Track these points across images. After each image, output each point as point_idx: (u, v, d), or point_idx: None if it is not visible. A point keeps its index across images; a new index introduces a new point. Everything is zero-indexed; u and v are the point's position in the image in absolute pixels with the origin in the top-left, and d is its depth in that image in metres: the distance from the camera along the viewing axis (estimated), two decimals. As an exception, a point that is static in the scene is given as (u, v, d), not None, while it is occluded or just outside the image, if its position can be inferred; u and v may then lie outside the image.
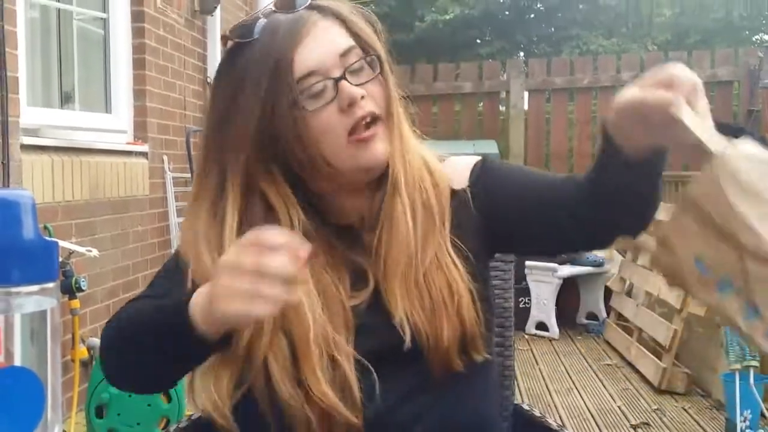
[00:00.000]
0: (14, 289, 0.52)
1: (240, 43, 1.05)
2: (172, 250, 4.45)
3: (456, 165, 1.17)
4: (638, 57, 6.83)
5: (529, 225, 1.09)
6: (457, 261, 1.05)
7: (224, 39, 1.07)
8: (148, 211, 4.18)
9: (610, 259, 5.41)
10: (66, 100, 3.79)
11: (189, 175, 4.54)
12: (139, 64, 4.17)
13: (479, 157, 1.17)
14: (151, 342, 0.98)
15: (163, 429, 2.90)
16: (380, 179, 1.08)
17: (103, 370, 1.06)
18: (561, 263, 5.29)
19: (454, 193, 1.11)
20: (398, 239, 1.05)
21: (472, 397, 1.07)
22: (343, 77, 1.02)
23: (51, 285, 0.54)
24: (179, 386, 2.89)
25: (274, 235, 0.86)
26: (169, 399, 2.91)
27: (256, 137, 1.03)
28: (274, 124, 1.02)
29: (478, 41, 14.20)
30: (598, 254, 5.41)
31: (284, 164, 1.05)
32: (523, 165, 1.11)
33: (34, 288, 0.53)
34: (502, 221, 1.09)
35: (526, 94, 6.46)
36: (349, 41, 1.05)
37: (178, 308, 0.93)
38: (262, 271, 0.84)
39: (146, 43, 4.17)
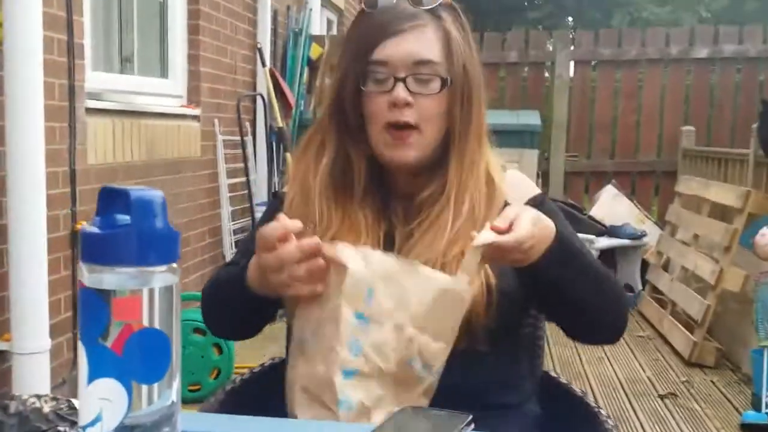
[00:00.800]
0: (151, 269, 0.66)
1: (363, 12, 1.24)
2: (222, 210, 4.61)
3: (518, 182, 1.30)
4: (687, 30, 6.78)
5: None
6: (490, 275, 1.15)
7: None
8: (200, 173, 4.35)
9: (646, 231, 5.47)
10: (125, 64, 3.94)
11: (238, 138, 4.70)
12: (193, 29, 4.31)
13: (539, 191, 1.30)
14: (231, 304, 1.22)
15: (214, 379, 3.09)
16: (430, 169, 1.22)
17: (205, 324, 1.32)
18: (599, 235, 5.36)
19: (506, 205, 1.20)
20: (435, 233, 1.17)
21: (481, 371, 1.17)
22: (402, 80, 1.18)
23: (175, 265, 0.68)
24: (230, 341, 3.07)
25: (272, 231, 1.05)
26: (221, 351, 3.10)
27: (341, 101, 1.22)
28: (346, 92, 1.21)
29: (526, 4, 14.04)
30: (637, 227, 5.47)
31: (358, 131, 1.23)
32: (568, 228, 1.23)
33: (164, 268, 0.67)
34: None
35: (572, 65, 6.47)
36: (435, 55, 1.19)
37: (241, 280, 1.15)
38: (282, 260, 1.04)
39: (201, 9, 4.31)
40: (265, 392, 1.30)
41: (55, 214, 3.00)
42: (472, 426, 0.87)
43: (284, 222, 1.06)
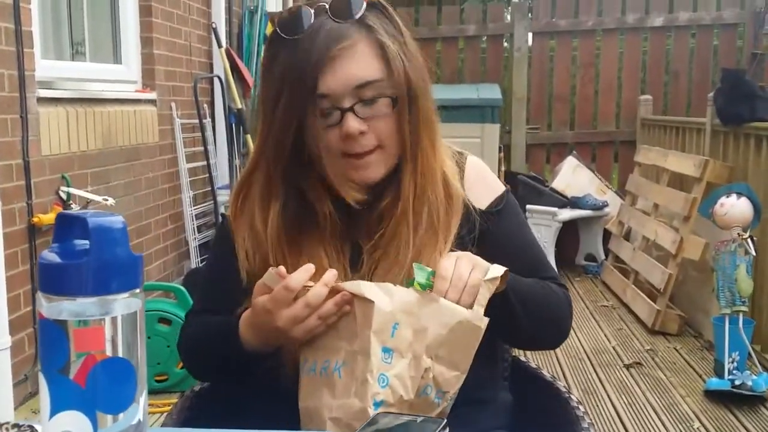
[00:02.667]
0: (112, 297, 0.64)
1: (281, 38, 1.12)
2: (183, 196, 4.54)
3: (479, 177, 1.26)
4: (643, -2, 6.81)
5: None
6: None
7: (272, 22, 1.16)
8: (159, 158, 4.28)
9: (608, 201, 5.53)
10: (77, 51, 3.84)
11: (196, 121, 4.62)
12: (145, 11, 4.20)
13: (503, 187, 1.27)
14: (223, 362, 1.19)
15: (180, 369, 3.06)
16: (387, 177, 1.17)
17: (188, 371, 1.32)
18: (561, 206, 5.41)
19: (467, 209, 1.21)
20: (394, 253, 1.15)
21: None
22: (350, 109, 1.10)
23: (137, 290, 0.66)
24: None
25: (296, 279, 1.04)
26: (187, 342, 3.07)
27: (291, 146, 1.13)
28: (302, 133, 1.12)
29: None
30: (598, 197, 5.53)
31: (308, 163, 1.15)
32: (528, 230, 1.24)
33: (126, 294, 0.64)
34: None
35: (530, 36, 6.47)
36: (375, 73, 1.11)
37: (230, 338, 1.13)
38: (312, 305, 1.04)
39: (153, -10, 4.21)
40: (230, 399, 1.28)
41: (11, 207, 2.93)
42: (447, 430, 0.88)
43: (299, 273, 1.05)
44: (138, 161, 4.00)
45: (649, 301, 4.13)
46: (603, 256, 5.45)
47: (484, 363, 1.22)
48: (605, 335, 3.98)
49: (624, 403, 3.08)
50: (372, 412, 1.01)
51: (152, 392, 2.92)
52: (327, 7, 1.13)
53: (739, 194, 3.22)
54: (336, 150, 1.13)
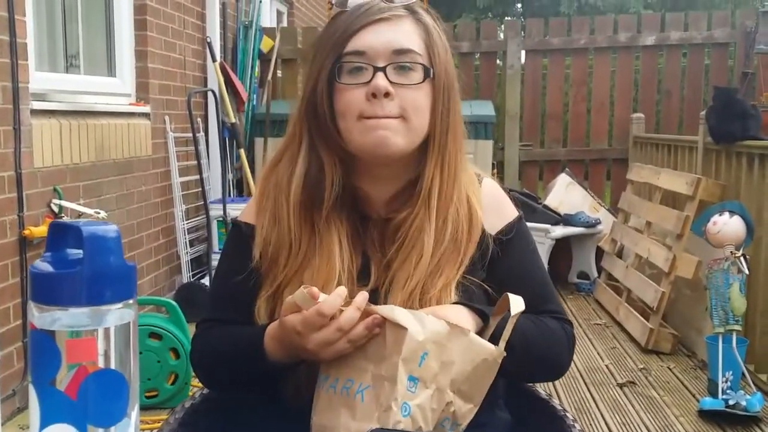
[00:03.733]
0: (105, 307, 0.62)
1: (337, 12, 1.17)
2: (176, 209, 4.53)
3: (492, 196, 1.26)
4: (635, 17, 6.85)
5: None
6: (458, 293, 1.14)
7: (329, 4, 1.21)
8: (151, 171, 4.27)
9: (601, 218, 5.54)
10: (71, 63, 3.83)
11: (190, 134, 4.62)
12: (140, 25, 4.21)
13: (516, 213, 1.27)
14: (246, 376, 1.17)
15: (171, 384, 3.03)
16: (408, 190, 1.18)
17: (201, 383, 1.29)
18: (554, 224, 5.41)
19: (482, 233, 1.20)
20: (416, 259, 1.13)
21: None
22: (383, 69, 1.11)
23: (131, 301, 0.64)
24: (186, 344, 3.02)
25: (330, 305, 1.03)
26: (178, 356, 3.04)
27: (313, 99, 1.15)
28: (318, 89, 1.14)
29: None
30: (591, 215, 5.53)
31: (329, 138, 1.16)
32: (538, 257, 1.29)
33: (120, 305, 0.63)
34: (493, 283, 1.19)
35: (522, 54, 6.50)
36: (414, 44, 1.14)
37: (256, 352, 1.11)
38: (344, 329, 1.02)
39: (147, 4, 4.21)
40: (228, 410, 1.27)
41: (2, 220, 2.91)
42: None
43: (333, 297, 1.03)
44: (131, 174, 3.99)
45: (642, 319, 4.12)
46: (596, 274, 5.44)
47: None
48: (598, 353, 3.97)
49: (617, 422, 3.06)
50: None
51: (142, 408, 2.88)
52: None
53: (732, 212, 3.22)
54: (356, 111, 1.12)
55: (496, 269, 1.20)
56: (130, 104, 4.11)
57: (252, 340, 1.13)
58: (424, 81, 1.14)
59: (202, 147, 4.79)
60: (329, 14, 1.22)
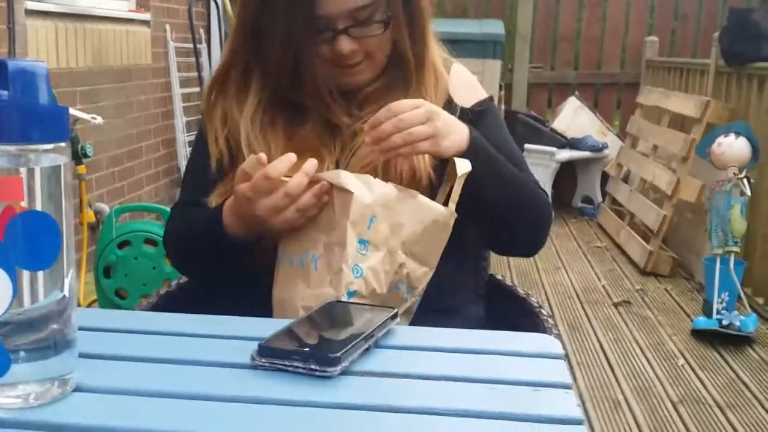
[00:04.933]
0: (33, 147, 0.60)
1: None
2: (176, 121, 4.47)
3: (463, 78, 1.27)
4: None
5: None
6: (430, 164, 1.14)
7: None
8: (151, 81, 4.21)
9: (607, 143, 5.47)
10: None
11: (191, 45, 4.54)
12: (142, -72, 4.09)
13: (487, 94, 1.27)
14: (210, 255, 1.17)
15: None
16: None
17: (176, 268, 1.31)
18: (560, 147, 5.35)
19: (449, 101, 1.21)
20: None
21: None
22: (344, 31, 1.12)
23: (63, 144, 0.62)
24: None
25: (276, 168, 1.02)
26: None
27: (290, 65, 1.14)
28: (287, 47, 1.12)
29: None
30: (598, 139, 5.46)
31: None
32: (509, 135, 1.29)
33: (50, 146, 0.60)
34: None
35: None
36: None
37: (215, 227, 1.11)
38: (291, 194, 1.01)
39: None
40: (202, 298, 1.26)
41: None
42: (397, 320, 0.87)
43: (280, 161, 1.02)
44: (130, 83, 3.94)
45: (642, 242, 4.10)
46: (600, 199, 5.41)
47: (453, 270, 1.19)
48: (596, 274, 3.97)
49: (610, 339, 3.08)
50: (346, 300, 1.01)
51: (137, 312, 2.91)
52: None
53: (738, 134, 3.16)
54: (323, 64, 1.14)
55: None
56: (130, 10, 4.03)
57: (212, 216, 1.13)
58: (385, 30, 1.14)
59: (203, 58, 4.71)
60: None
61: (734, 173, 3.09)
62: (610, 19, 6.25)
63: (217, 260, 1.17)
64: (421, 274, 1.09)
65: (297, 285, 1.05)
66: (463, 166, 1.07)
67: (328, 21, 1.11)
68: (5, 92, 0.59)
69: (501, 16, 6.14)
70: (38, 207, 0.60)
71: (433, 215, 1.07)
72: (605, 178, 5.39)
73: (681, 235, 4.12)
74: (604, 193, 5.34)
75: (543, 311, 1.27)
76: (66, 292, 0.64)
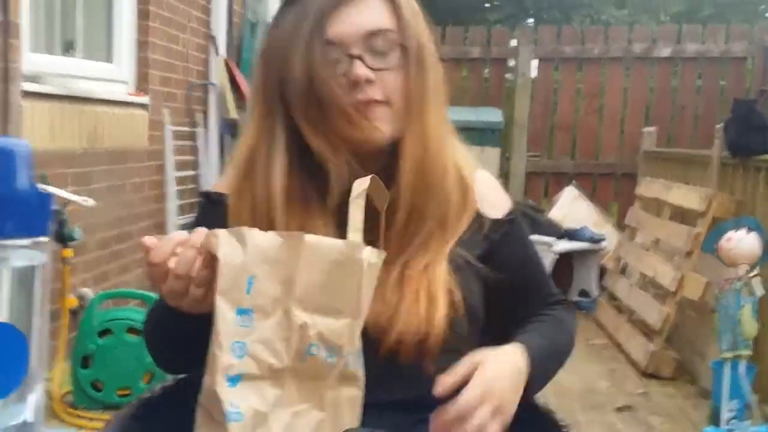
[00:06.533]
0: (4, 242, 0.49)
1: None
2: (168, 204, 4.41)
3: (489, 185, 1.21)
4: (649, 29, 6.74)
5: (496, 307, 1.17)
6: (449, 271, 1.08)
7: None
8: (146, 164, 4.15)
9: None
10: (68, 47, 3.74)
11: (189, 128, 4.51)
12: (143, 14, 4.11)
13: (510, 202, 1.22)
14: (173, 335, 1.06)
15: (147, 383, 2.90)
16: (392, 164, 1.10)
17: (157, 365, 1.19)
18: (558, 237, 5.27)
19: (478, 216, 1.15)
20: (393, 241, 1.06)
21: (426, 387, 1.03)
22: (359, 57, 1.05)
23: (43, 239, 0.51)
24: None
25: (158, 251, 0.92)
26: (159, 355, 2.91)
27: (285, 92, 1.08)
28: (292, 82, 1.07)
29: (487, 5, 14.03)
30: (596, 230, 5.40)
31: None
32: (532, 246, 1.26)
33: (26, 242, 0.50)
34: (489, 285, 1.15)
35: (535, 62, 6.38)
36: (386, 22, 1.08)
37: (168, 308, 0.99)
38: (179, 273, 0.91)
39: (151, -7, 4.11)
40: (182, 408, 1.14)
41: (-18, 203, 2.79)
42: None
43: (163, 244, 0.93)
44: (124, 165, 3.87)
45: (643, 340, 3.97)
46: (597, 292, 5.30)
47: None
48: (596, 375, 3.82)
49: (615, 446, 2.92)
50: (224, 390, 0.85)
51: (113, 407, 2.75)
52: None
53: (749, 228, 3.07)
54: (339, 102, 1.05)
55: (493, 254, 1.15)
56: (129, 94, 4.00)
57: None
58: (402, 59, 1.09)
59: (200, 142, 4.67)
60: None
61: (746, 270, 2.98)
62: (607, 110, 6.29)
63: (184, 344, 1.04)
64: (341, 327, 0.90)
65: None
66: (359, 185, 0.94)
67: (342, 47, 1.06)
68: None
69: (498, 105, 6.18)
70: (3, 317, 0.49)
71: (332, 255, 0.90)
72: (602, 271, 5.30)
73: (684, 335, 3.99)
74: (601, 287, 5.24)
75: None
76: (30, 417, 0.52)
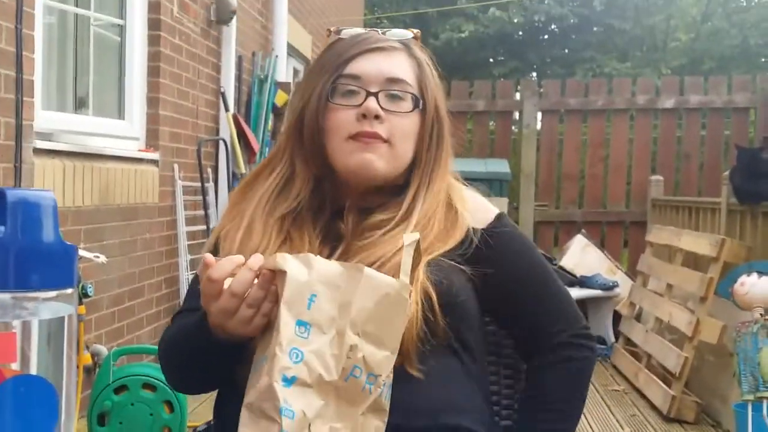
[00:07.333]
0: (32, 294, 0.49)
1: (335, 39, 1.23)
2: (180, 259, 4.39)
3: (477, 206, 1.25)
4: (653, 80, 6.81)
5: (503, 315, 1.24)
6: (427, 281, 1.10)
7: (328, 32, 1.26)
8: (157, 219, 4.16)
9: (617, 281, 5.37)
10: (80, 105, 3.78)
11: (199, 184, 4.53)
12: (153, 71, 4.16)
13: (496, 210, 1.25)
14: (197, 357, 1.10)
15: (165, 440, 2.86)
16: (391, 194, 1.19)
17: (168, 381, 1.23)
18: (570, 285, 5.24)
19: (467, 236, 1.19)
20: (381, 256, 1.11)
21: (406, 398, 1.06)
22: (375, 94, 1.15)
23: (69, 291, 0.51)
24: (182, 397, 2.86)
25: (219, 270, 0.98)
26: (172, 409, 2.88)
27: (302, 116, 1.19)
28: (310, 106, 1.17)
29: (491, 60, 14.20)
30: (608, 277, 5.37)
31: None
32: (535, 253, 1.30)
33: (53, 294, 0.50)
34: (489, 288, 1.18)
35: (539, 115, 6.44)
36: (407, 76, 1.19)
37: (201, 327, 1.05)
38: (236, 293, 0.97)
39: (161, 51, 4.17)
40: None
41: (-4, 259, 2.79)
42: None
43: (224, 263, 0.99)
44: (135, 221, 3.88)
45: (663, 386, 3.92)
46: (613, 339, 5.25)
47: (455, 388, 1.13)
48: (617, 421, 3.76)
49: (639, 493, 2.86)
50: (280, 388, 0.90)
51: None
52: (378, 30, 1.26)
53: (760, 273, 3.07)
54: (345, 131, 1.15)
55: (483, 264, 1.17)
56: (139, 150, 4.03)
57: (198, 319, 1.07)
58: (413, 110, 1.18)
59: (210, 197, 4.69)
60: (327, 41, 1.27)
61: (761, 314, 2.97)
62: (612, 159, 6.31)
63: (205, 366, 1.10)
64: (382, 358, 0.96)
65: (251, 386, 0.95)
66: (410, 237, 1.01)
67: (361, 82, 1.16)
68: (2, 227, 0.49)
69: (504, 156, 6.22)
70: (33, 370, 0.48)
71: (383, 289, 0.96)
72: (616, 317, 5.25)
73: (704, 379, 3.94)
74: (616, 333, 5.19)
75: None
76: (60, 472, 0.51)
